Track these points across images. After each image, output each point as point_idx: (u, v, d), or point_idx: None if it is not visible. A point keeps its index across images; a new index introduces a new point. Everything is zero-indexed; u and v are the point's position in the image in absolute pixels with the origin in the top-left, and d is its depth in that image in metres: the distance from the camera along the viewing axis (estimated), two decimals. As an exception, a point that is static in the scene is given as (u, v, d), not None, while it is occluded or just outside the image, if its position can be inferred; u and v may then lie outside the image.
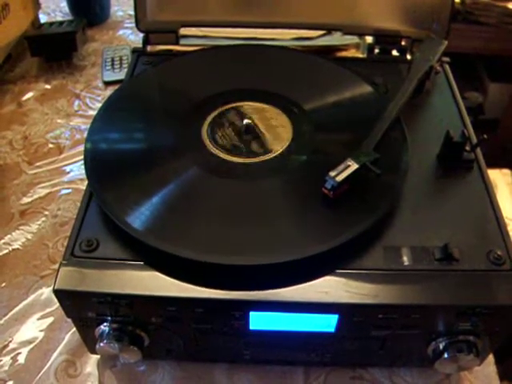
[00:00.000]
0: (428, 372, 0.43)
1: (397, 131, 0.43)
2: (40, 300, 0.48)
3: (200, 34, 0.63)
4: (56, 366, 0.44)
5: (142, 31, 0.58)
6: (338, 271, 0.36)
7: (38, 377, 0.43)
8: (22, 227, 0.54)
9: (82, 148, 0.60)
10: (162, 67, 0.53)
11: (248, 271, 0.35)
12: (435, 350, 0.38)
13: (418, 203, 0.40)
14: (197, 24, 0.60)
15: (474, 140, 0.45)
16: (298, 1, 0.57)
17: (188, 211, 0.39)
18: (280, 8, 0.57)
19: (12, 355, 0.44)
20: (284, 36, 0.64)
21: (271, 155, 0.43)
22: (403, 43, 0.58)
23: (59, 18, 0.83)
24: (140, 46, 0.58)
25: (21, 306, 0.47)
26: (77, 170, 0.60)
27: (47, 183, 0.58)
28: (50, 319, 0.46)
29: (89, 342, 0.40)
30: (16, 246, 0.52)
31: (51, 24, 0.76)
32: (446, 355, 0.37)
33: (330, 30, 0.65)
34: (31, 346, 0.45)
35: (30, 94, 0.70)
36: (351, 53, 0.67)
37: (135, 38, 0.79)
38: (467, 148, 0.43)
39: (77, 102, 0.69)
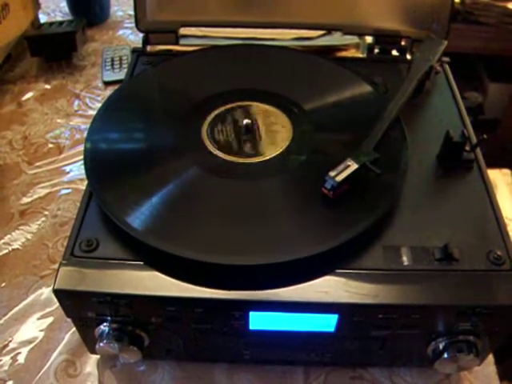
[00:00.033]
0: (428, 372, 0.43)
1: (397, 131, 0.43)
2: (40, 300, 0.48)
3: (200, 34, 0.63)
4: (56, 365, 0.44)
5: (141, 31, 0.58)
6: (337, 271, 0.36)
7: (37, 377, 0.43)
8: (21, 227, 0.54)
9: (81, 148, 0.59)
10: (161, 67, 0.53)
11: (248, 271, 0.35)
12: (435, 350, 0.38)
13: (417, 203, 0.40)
14: (196, 24, 0.60)
15: (474, 140, 0.45)
16: (298, 1, 0.57)
17: (188, 211, 0.39)
18: (280, 8, 0.57)
19: (12, 355, 0.44)
20: (284, 36, 0.64)
21: (271, 155, 0.42)
22: (403, 43, 0.58)
23: (59, 18, 0.83)
24: (140, 45, 0.58)
25: (21, 305, 0.47)
26: (76, 169, 0.60)
27: (47, 183, 0.58)
28: (50, 319, 0.46)
29: (89, 341, 0.40)
30: (16, 246, 0.52)
31: (51, 24, 0.76)
32: (445, 355, 0.37)
33: (329, 30, 0.65)
34: (31, 345, 0.45)
35: (29, 94, 0.70)
36: (351, 53, 0.67)
37: (135, 38, 0.79)
38: (467, 148, 0.43)
39: (76, 102, 0.69)
